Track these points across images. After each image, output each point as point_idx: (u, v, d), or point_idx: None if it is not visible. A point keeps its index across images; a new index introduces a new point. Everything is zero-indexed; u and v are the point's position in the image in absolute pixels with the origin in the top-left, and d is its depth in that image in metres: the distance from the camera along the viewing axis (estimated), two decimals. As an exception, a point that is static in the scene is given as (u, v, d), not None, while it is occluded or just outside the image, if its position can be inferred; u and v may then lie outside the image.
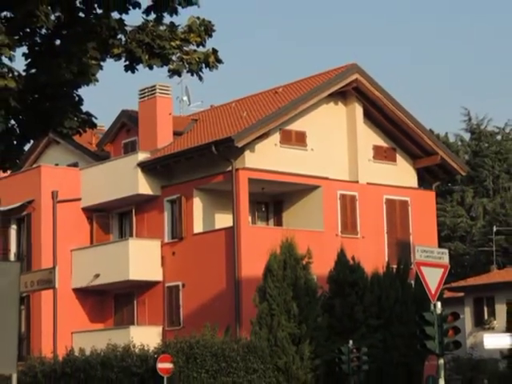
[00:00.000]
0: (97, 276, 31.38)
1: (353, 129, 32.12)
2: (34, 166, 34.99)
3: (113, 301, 33.12)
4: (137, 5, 9.54)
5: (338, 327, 25.27)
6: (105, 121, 35.04)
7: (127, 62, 9.85)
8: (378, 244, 31.64)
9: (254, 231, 30.04)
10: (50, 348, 30.10)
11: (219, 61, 9.97)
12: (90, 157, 34.98)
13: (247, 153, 29.62)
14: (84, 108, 10.08)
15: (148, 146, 32.07)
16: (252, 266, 27.50)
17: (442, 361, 17.10)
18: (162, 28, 9.76)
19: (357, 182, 31.85)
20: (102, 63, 9.78)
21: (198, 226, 30.57)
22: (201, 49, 9.88)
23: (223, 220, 30.33)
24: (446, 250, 18.72)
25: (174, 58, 9.82)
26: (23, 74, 9.50)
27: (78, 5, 9.50)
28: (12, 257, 33.17)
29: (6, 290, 7.25)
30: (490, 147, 60.39)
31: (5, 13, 9.36)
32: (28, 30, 9.47)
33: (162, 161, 31.29)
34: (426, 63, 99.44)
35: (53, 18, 9.37)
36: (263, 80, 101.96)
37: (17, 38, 9.29)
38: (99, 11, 9.52)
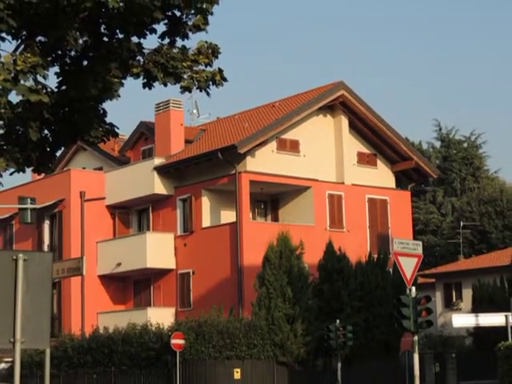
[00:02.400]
0: (119, 264, 31.38)
1: (339, 137, 32.11)
2: (65, 169, 34.96)
3: (132, 286, 33.10)
4: (153, 30, 9.55)
5: (327, 308, 25.27)
6: (125, 130, 35.01)
7: (145, 80, 9.84)
8: (361, 237, 31.61)
9: (254, 226, 30.01)
10: (79, 326, 30.08)
11: (224, 79, 9.97)
12: (112, 161, 34.96)
13: (248, 158, 29.61)
14: (107, 119, 10.08)
15: (163, 152, 32.06)
16: (252, 255, 27.49)
17: (416, 337, 17.11)
18: (175, 50, 9.75)
19: (343, 183, 31.84)
20: (123, 81, 9.77)
21: (205, 221, 30.56)
22: (208, 68, 9.88)
23: (227, 216, 30.31)
24: (420, 242, 18.73)
25: (185, 76, 9.82)
26: (55, 90, 9.49)
27: (103, 30, 9.50)
28: (45, 248, 33.16)
29: (40, 276, 7.24)
30: (457, 153, 60.30)
31: (39, 37, 9.36)
32: (59, 52, 9.47)
33: (175, 165, 31.29)
34: (402, 81, 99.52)
35: (81, 41, 9.38)
36: (262, 95, 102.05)
37: (50, 59, 9.29)
38: (121, 36, 9.52)
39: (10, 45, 9.32)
